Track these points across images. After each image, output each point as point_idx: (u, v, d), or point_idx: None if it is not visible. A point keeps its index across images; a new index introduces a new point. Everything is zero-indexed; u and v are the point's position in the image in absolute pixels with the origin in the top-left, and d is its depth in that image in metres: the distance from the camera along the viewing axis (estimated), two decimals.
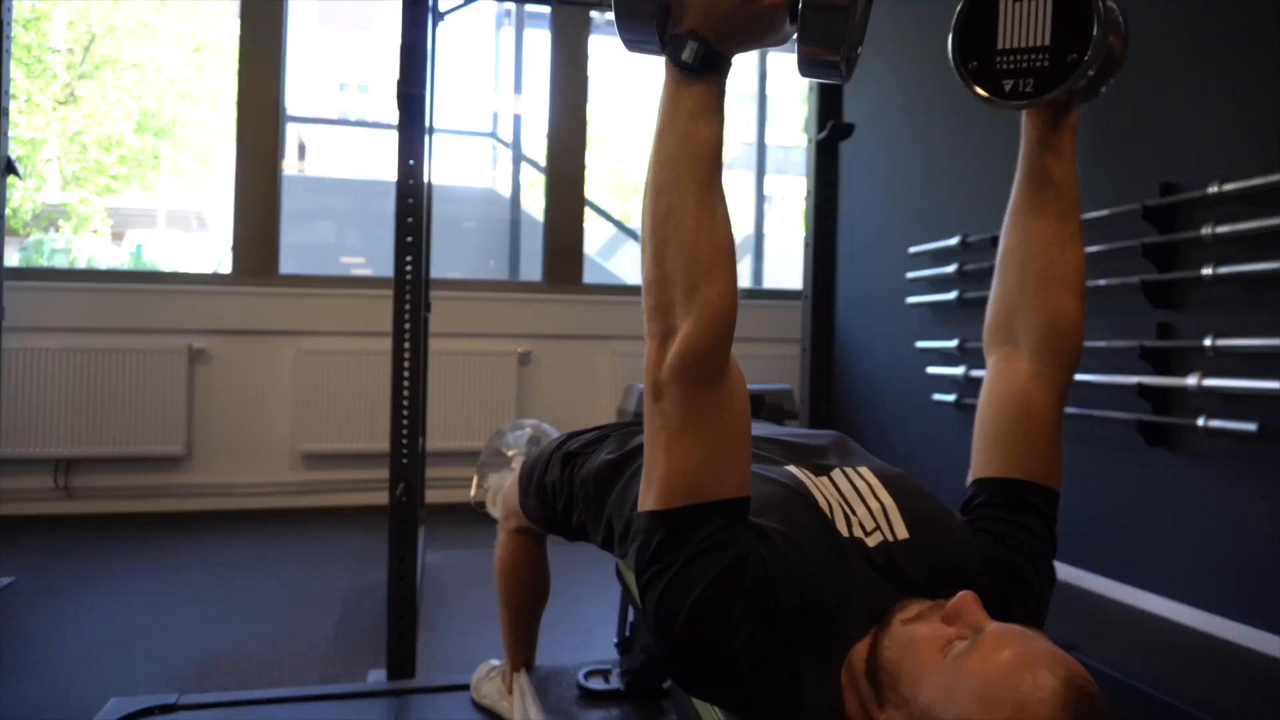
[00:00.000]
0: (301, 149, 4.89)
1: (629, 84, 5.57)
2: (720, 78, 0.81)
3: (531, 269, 4.62)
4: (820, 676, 0.83)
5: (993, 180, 3.41)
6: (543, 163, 4.57)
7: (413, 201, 2.02)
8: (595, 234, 5.11)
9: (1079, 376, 2.88)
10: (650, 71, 5.80)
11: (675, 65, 0.80)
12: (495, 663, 1.95)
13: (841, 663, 0.83)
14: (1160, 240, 2.60)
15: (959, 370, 3.49)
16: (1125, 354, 2.71)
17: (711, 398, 0.82)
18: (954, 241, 3.55)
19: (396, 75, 2.00)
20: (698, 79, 0.80)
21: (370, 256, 4.75)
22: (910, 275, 3.88)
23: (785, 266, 5.15)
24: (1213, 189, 2.42)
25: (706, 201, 0.81)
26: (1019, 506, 0.94)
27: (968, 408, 3.50)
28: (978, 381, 3.35)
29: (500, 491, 3.83)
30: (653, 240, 0.82)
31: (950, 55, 0.89)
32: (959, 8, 0.88)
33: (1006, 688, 0.66)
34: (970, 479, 0.99)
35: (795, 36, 0.78)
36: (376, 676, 2.10)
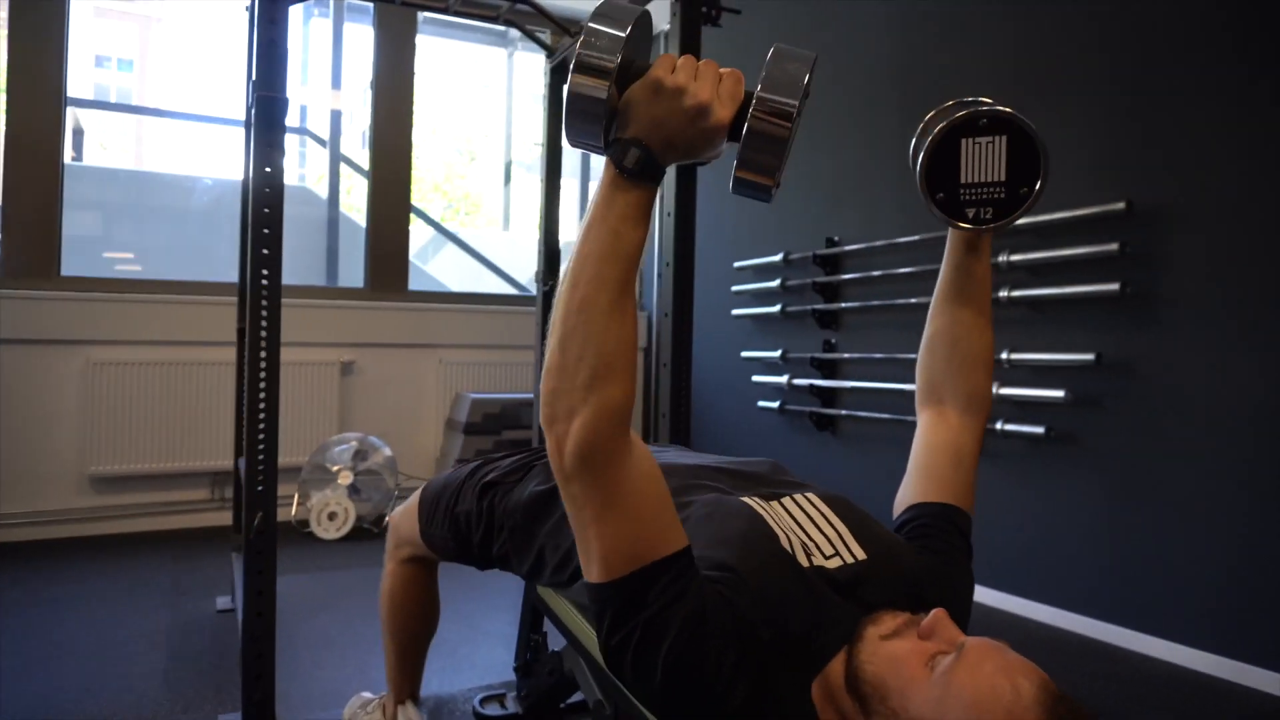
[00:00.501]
0: (78, 135, 4.37)
1: (452, 86, 5.43)
2: (655, 185, 0.85)
3: (350, 274, 4.42)
4: (799, 700, 0.89)
5: (812, 200, 3.68)
6: (359, 161, 4.38)
7: (270, 212, 1.90)
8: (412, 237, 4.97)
9: (895, 385, 3.09)
10: (473, 73, 5.70)
11: (616, 168, 0.83)
12: (369, 695, 1.87)
13: (813, 683, 0.90)
14: None
15: (782, 379, 3.73)
16: None
17: (620, 474, 0.85)
18: (777, 258, 3.79)
19: (253, 76, 1.87)
20: (634, 184, 0.84)
21: (140, 254, 4.31)
22: (735, 288, 4.10)
23: None
24: None
25: (619, 301, 0.84)
26: (948, 527, 1.06)
27: (790, 413, 3.76)
28: (800, 389, 3.61)
29: (326, 508, 3.62)
30: (562, 328, 0.84)
31: (919, 188, 1.01)
32: (925, 147, 1.00)
33: (994, 697, 0.75)
34: (905, 505, 1.10)
35: (736, 155, 0.84)
36: None
